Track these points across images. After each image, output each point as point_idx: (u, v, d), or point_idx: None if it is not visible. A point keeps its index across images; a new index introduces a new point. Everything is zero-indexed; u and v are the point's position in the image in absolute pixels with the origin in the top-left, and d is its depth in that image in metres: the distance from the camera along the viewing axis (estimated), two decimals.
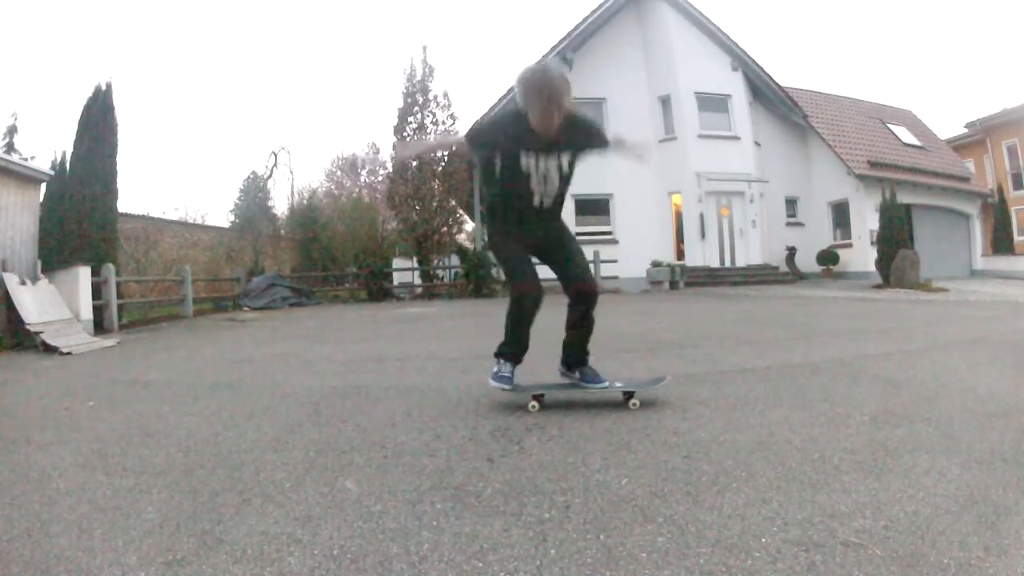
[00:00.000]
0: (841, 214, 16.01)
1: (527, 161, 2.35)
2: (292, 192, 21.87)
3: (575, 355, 2.63)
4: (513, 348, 2.60)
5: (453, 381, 3.29)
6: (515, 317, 2.54)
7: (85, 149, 8.12)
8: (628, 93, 14.88)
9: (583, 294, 2.54)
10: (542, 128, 2.27)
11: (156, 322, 9.15)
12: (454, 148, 2.45)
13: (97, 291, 7.61)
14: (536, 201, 2.45)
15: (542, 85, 2.21)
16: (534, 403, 2.55)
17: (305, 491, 1.75)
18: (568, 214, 14.59)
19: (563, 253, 2.60)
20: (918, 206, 15.48)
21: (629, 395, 2.55)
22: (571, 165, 2.45)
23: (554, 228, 2.61)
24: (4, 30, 33.13)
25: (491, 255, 2.84)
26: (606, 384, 2.57)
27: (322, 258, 16.51)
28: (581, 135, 2.44)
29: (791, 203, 16.55)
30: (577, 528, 1.44)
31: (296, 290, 12.27)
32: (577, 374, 2.63)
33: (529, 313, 2.50)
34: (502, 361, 2.60)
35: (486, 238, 2.79)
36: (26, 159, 10.54)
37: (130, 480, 1.90)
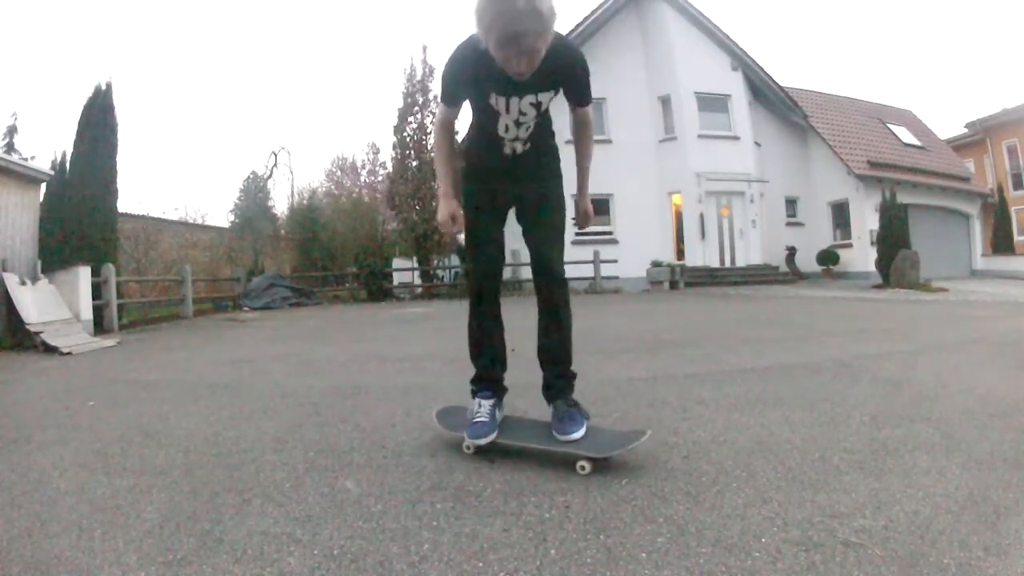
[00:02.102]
0: (841, 214, 16.02)
1: (496, 103, 1.83)
2: (292, 192, 21.94)
3: (547, 376, 2.02)
4: (482, 372, 2.08)
5: (453, 381, 3.29)
6: (473, 323, 2.07)
7: (85, 149, 8.12)
8: (628, 93, 14.88)
9: (539, 284, 1.99)
10: (507, 70, 1.68)
11: (156, 322, 9.15)
12: (446, 125, 1.95)
13: (97, 291, 7.61)
14: (508, 149, 1.94)
15: (493, 19, 1.54)
16: (469, 444, 1.97)
17: (305, 491, 1.74)
18: (568, 209, 14.61)
19: (530, 223, 2.01)
20: (918, 206, 15.48)
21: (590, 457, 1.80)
22: (549, 100, 1.90)
23: (538, 186, 2.01)
24: (4, 30, 33.13)
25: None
26: (575, 436, 1.82)
27: (322, 258, 16.52)
28: (566, 73, 1.83)
29: (791, 203, 16.56)
30: (577, 528, 1.43)
31: (296, 290, 12.29)
32: (551, 410, 1.98)
33: (489, 312, 2.04)
34: (478, 400, 2.03)
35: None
36: (26, 159, 10.56)
37: (130, 480, 1.90)
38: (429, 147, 14.29)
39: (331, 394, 3.11)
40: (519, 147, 1.95)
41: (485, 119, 1.90)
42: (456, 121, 1.98)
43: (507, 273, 13.59)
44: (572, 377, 2.03)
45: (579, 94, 1.91)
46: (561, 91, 1.90)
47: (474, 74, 1.78)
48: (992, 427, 2.15)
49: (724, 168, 14.52)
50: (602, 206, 14.85)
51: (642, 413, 2.48)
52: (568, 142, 1.95)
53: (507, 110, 1.84)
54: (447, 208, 1.88)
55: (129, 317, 9.06)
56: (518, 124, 1.88)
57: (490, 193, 2.02)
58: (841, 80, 57.73)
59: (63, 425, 2.69)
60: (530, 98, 1.82)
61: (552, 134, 2.04)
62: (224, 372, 4.06)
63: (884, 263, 11.49)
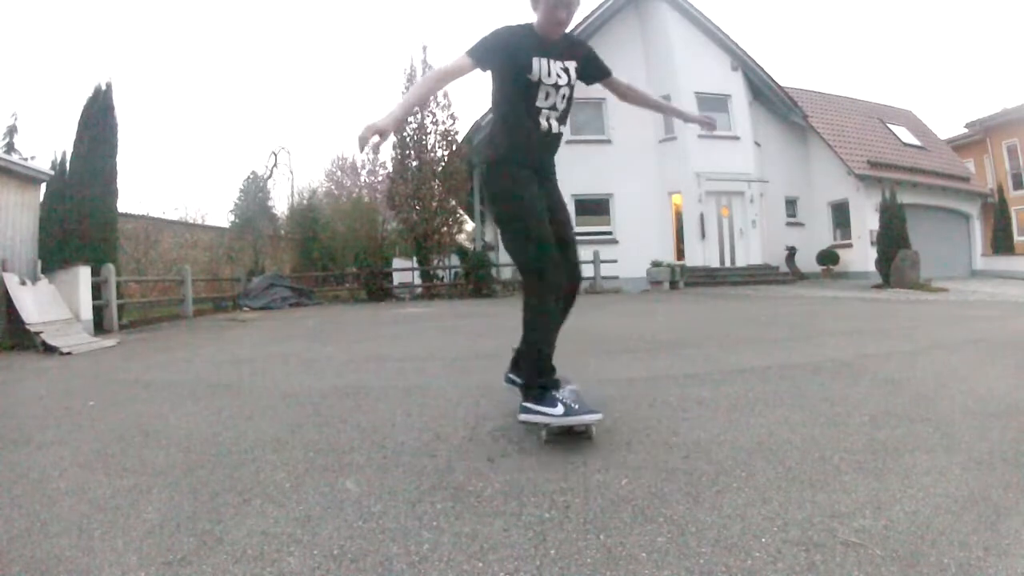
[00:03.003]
0: (841, 214, 16.02)
1: (539, 65, 2.04)
2: (292, 192, 21.88)
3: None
4: (545, 364, 2.09)
5: (453, 381, 3.29)
6: (543, 321, 2.05)
7: (85, 149, 8.11)
8: None
9: (571, 296, 2.17)
10: (548, 28, 2.04)
11: (156, 322, 9.15)
12: (454, 74, 2.07)
13: (97, 291, 7.61)
14: (544, 120, 2.10)
15: None
16: (586, 423, 2.01)
17: (305, 491, 1.75)
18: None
19: (562, 229, 2.15)
20: (918, 206, 15.48)
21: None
22: (577, 77, 2.16)
23: (555, 183, 2.21)
24: (4, 30, 33.14)
25: (496, 219, 2.22)
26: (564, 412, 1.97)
27: (322, 258, 16.49)
28: (583, 52, 2.20)
29: (791, 203, 16.56)
30: (577, 528, 1.44)
31: (296, 290, 12.28)
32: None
33: (557, 315, 2.09)
34: (559, 396, 2.03)
35: (485, 189, 2.18)
36: (26, 159, 10.55)
37: (130, 480, 1.90)
38: (429, 147, 14.29)
39: (331, 394, 3.11)
40: (554, 121, 2.13)
41: (525, 89, 2.06)
42: (456, 81, 2.09)
43: (507, 272, 13.61)
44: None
45: (602, 66, 2.27)
46: (579, 78, 2.19)
47: (516, 43, 2.04)
48: (992, 427, 2.15)
49: (724, 168, 14.51)
50: (602, 206, 14.87)
51: (642, 413, 2.48)
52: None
53: (548, 72, 2.07)
54: (382, 124, 1.83)
55: (129, 317, 9.05)
56: (556, 88, 2.09)
57: (535, 182, 2.10)
58: (841, 80, 57.81)
59: (63, 425, 2.69)
60: (559, 64, 2.10)
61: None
62: (224, 372, 4.06)
63: (884, 263, 11.49)
